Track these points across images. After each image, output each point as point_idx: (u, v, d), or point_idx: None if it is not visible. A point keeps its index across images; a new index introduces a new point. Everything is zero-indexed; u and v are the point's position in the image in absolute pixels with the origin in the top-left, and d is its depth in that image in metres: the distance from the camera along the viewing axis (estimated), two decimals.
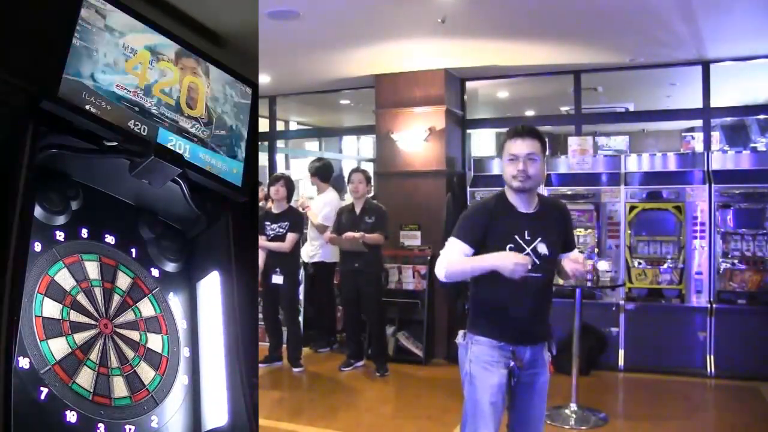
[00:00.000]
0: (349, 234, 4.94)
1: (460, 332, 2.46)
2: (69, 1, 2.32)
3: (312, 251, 5.76)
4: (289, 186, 5.32)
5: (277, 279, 5.17)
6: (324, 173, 5.80)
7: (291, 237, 5.14)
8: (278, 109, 7.23)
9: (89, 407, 2.13)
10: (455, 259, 2.31)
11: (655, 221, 5.17)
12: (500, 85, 6.89)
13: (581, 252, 4.98)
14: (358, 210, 5.09)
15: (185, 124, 2.60)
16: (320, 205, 5.65)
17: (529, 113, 8.37)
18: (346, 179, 5.51)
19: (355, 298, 5.21)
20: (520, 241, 2.31)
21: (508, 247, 2.30)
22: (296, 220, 5.24)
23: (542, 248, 2.33)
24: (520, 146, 2.32)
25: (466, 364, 2.39)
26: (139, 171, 2.39)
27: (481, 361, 2.34)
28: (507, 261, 2.20)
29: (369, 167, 9.03)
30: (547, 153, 2.43)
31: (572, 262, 2.40)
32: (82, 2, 2.33)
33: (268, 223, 5.21)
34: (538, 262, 2.31)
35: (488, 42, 4.95)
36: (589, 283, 3.96)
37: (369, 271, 5.10)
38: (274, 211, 5.27)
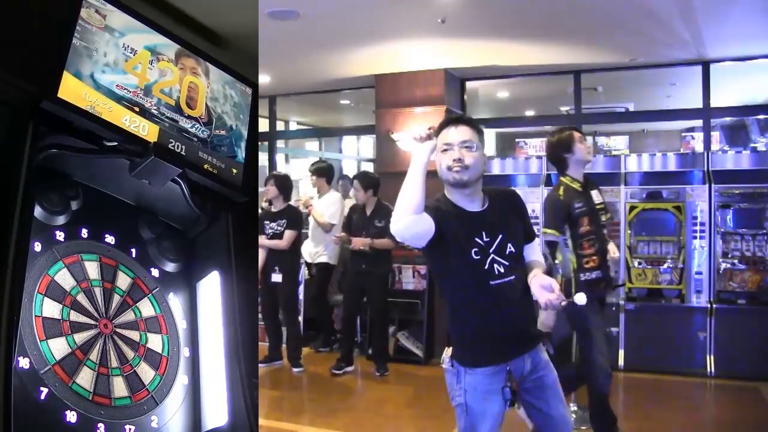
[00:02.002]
0: (358, 241, 4.93)
1: (446, 356, 2.24)
2: (69, 1, 2.32)
3: (316, 252, 5.76)
4: (280, 184, 5.29)
5: (276, 277, 5.18)
6: (329, 174, 5.80)
7: (288, 234, 5.15)
8: (278, 109, 7.23)
9: (89, 407, 2.13)
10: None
11: (655, 221, 5.17)
12: (500, 85, 6.90)
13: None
14: (368, 211, 5.07)
15: (185, 124, 2.59)
16: (325, 204, 5.66)
17: (529, 113, 8.37)
18: (351, 179, 5.52)
19: (358, 298, 5.21)
20: (483, 244, 2.11)
21: (472, 251, 2.10)
22: (294, 217, 5.25)
23: (507, 247, 2.14)
24: (454, 134, 2.13)
25: (459, 394, 2.18)
26: (139, 171, 2.40)
27: (479, 392, 2.15)
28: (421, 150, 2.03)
29: (369, 167, 9.04)
30: (488, 149, 2.25)
31: (544, 290, 2.05)
32: (82, 2, 2.33)
33: (267, 222, 5.23)
34: (507, 263, 2.13)
35: (488, 42, 4.95)
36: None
37: (376, 272, 5.08)
38: (273, 209, 5.28)
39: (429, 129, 2.07)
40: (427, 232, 2.06)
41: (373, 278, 5.08)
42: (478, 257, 2.12)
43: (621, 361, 5.05)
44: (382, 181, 5.17)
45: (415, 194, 2.01)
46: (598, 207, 3.36)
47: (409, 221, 2.01)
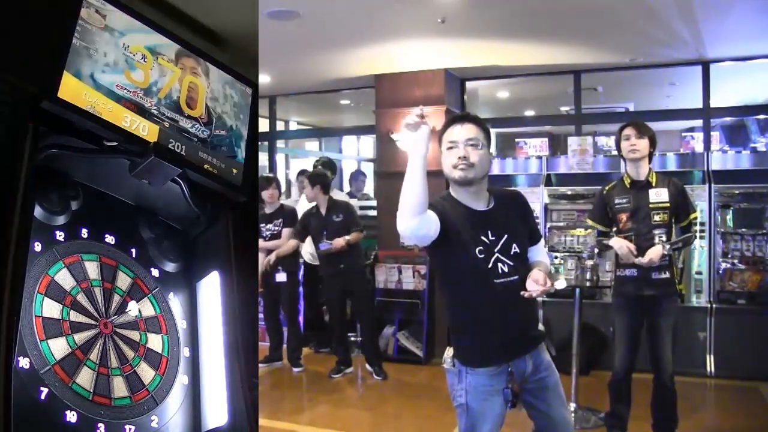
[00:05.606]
0: (339, 241, 4.86)
1: (447, 356, 2.23)
2: (69, 1, 2.32)
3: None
4: (279, 185, 5.49)
5: (281, 277, 5.22)
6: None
7: (286, 232, 5.20)
8: (278, 109, 7.23)
9: (89, 407, 2.13)
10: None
11: None
12: (500, 85, 6.89)
13: (582, 253, 4.90)
14: (323, 211, 5.02)
15: (185, 124, 2.59)
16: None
17: (529, 113, 8.37)
18: (347, 180, 5.51)
19: (344, 299, 5.21)
20: (488, 243, 2.11)
21: (477, 250, 2.10)
22: (289, 216, 5.30)
23: (512, 247, 2.14)
24: (459, 132, 2.13)
25: (460, 394, 2.17)
26: (139, 171, 2.40)
27: (480, 393, 2.14)
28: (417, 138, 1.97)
29: (369, 167, 9.03)
30: (492, 148, 2.16)
31: (533, 282, 2.06)
32: (82, 2, 2.33)
33: (262, 224, 5.24)
34: (512, 264, 2.12)
35: (488, 42, 4.95)
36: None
37: (356, 268, 5.07)
38: (267, 211, 5.31)
39: (420, 109, 2.00)
40: (433, 232, 2.05)
41: (354, 275, 5.05)
42: (482, 255, 2.11)
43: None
44: (382, 181, 5.16)
45: (417, 193, 1.96)
46: (652, 206, 3.39)
47: (415, 224, 1.98)
